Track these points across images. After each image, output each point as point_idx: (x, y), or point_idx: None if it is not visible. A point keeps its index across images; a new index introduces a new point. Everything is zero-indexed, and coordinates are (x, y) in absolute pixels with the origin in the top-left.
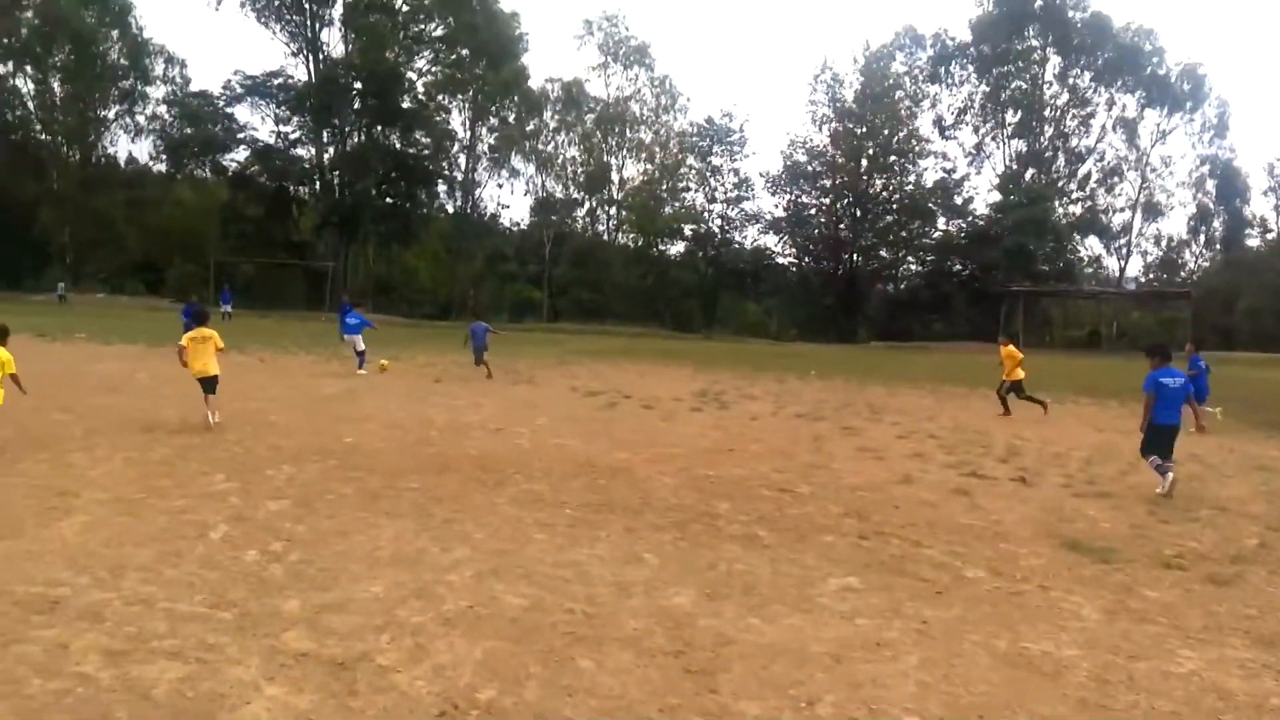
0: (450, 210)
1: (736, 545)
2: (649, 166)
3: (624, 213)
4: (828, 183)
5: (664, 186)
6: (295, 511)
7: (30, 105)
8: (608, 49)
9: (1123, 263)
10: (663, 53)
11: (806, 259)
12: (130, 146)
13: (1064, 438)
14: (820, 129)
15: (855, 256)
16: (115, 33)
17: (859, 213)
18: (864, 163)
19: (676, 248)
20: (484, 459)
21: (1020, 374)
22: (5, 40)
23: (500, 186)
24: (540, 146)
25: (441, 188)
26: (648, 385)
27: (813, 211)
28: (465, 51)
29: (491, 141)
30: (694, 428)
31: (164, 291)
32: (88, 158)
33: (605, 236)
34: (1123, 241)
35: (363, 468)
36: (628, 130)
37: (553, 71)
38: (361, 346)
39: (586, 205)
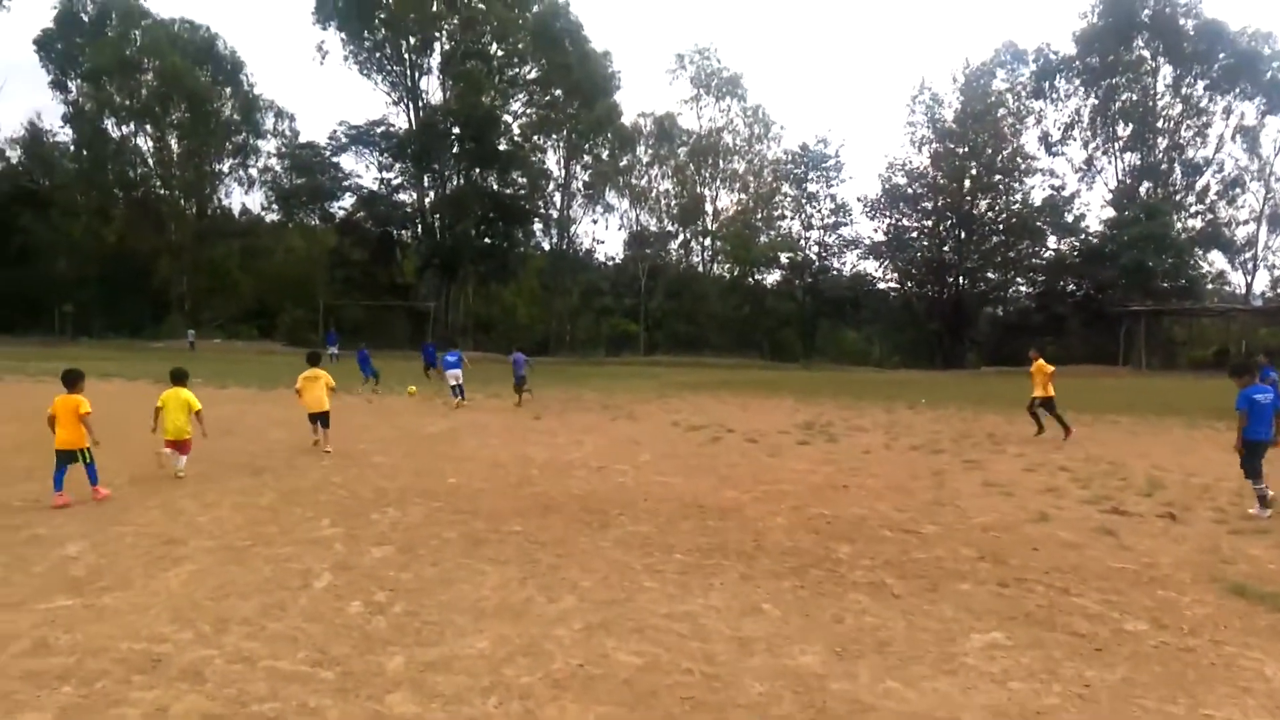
0: (546, 247)
1: (863, 594)
2: (743, 196)
3: (718, 243)
4: (929, 205)
5: (759, 215)
6: (399, 558)
7: (150, 162)
8: (700, 81)
9: (1249, 277)
10: (755, 82)
11: (909, 283)
12: (243, 198)
13: (1206, 467)
14: (920, 150)
15: (961, 279)
16: (228, 90)
17: (963, 234)
18: (967, 183)
19: (772, 277)
20: (587, 499)
21: (1051, 390)
22: (127, 102)
23: (595, 222)
24: (634, 181)
25: (537, 226)
26: (750, 418)
27: (914, 234)
28: (559, 92)
29: (586, 178)
30: (803, 463)
31: (276, 336)
32: (203, 210)
33: (700, 268)
34: (1248, 255)
35: (466, 510)
36: (721, 161)
37: (645, 106)
38: (461, 380)
39: (681, 237)
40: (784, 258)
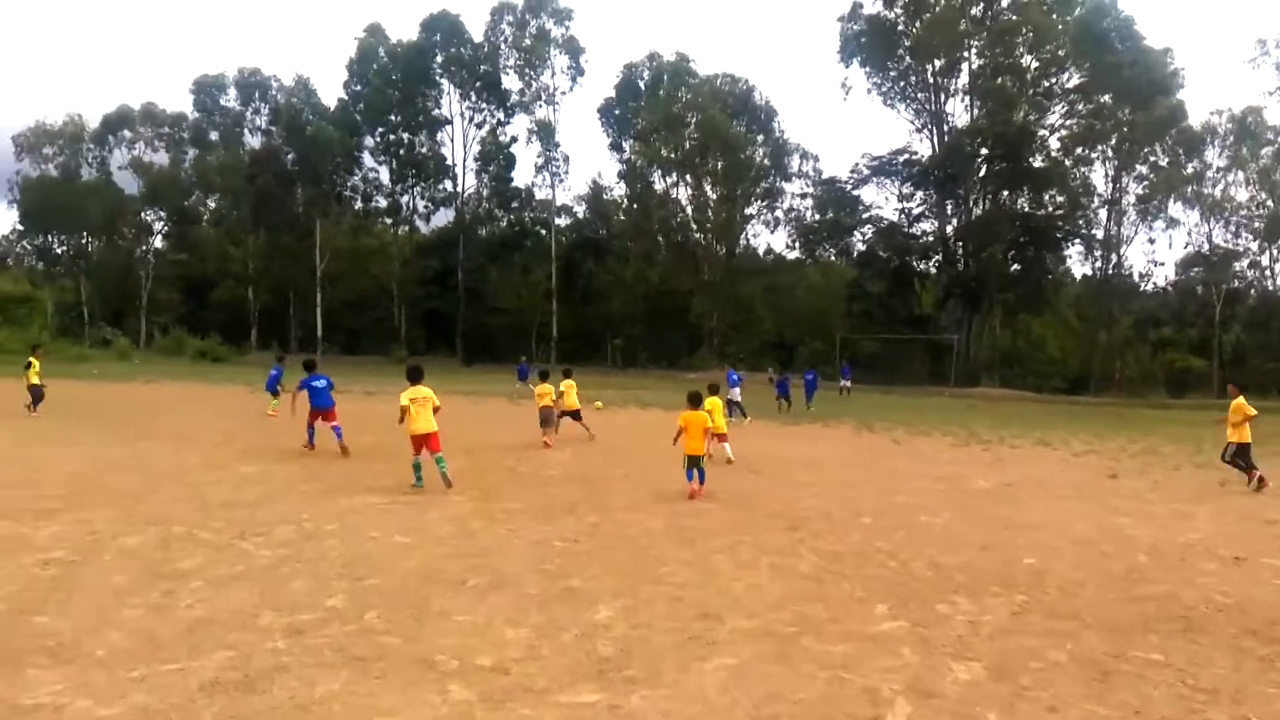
0: (1085, 272)
1: None
2: None
3: None
4: None
5: None
6: (996, 689)
7: (688, 209)
8: None
9: None
10: None
11: None
12: (769, 238)
13: None
14: None
15: None
16: (760, 138)
17: None
18: None
19: None
20: (1242, 610)
21: (1248, 435)
22: (672, 155)
23: (1152, 241)
24: (1204, 190)
25: (1075, 248)
26: None
27: None
28: (1105, 98)
29: (1140, 191)
30: None
31: (794, 367)
32: (732, 250)
33: None
34: None
35: (1065, 614)
36: None
37: (1217, 103)
38: (736, 398)
39: (1267, 255)
40: None
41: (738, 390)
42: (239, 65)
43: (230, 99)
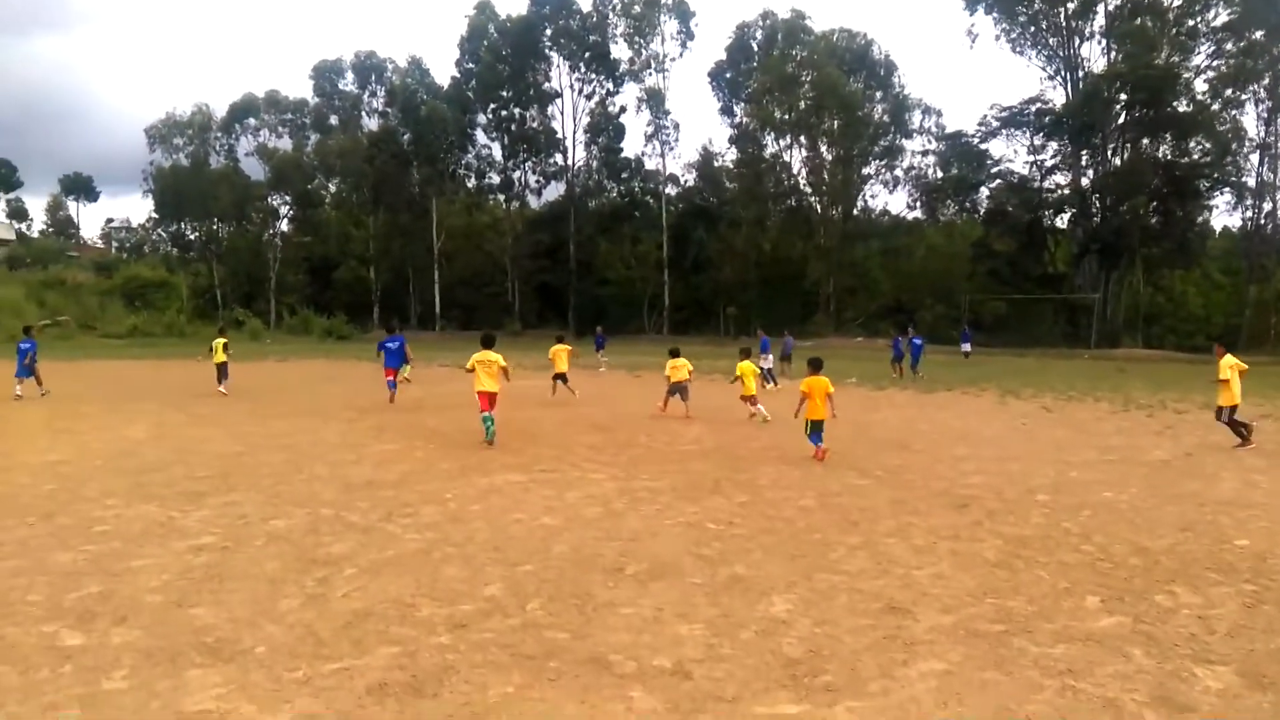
0: (1236, 223)
1: None
2: None
3: None
4: None
5: None
6: (1254, 697)
7: (802, 172)
8: None
9: None
10: None
11: None
12: (887, 198)
13: None
14: None
15: None
16: (878, 94)
17: None
18: None
19: None
20: None
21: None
22: (785, 117)
23: None
24: None
25: (1223, 198)
26: None
27: None
28: (1259, 34)
29: None
30: None
31: (914, 332)
32: (848, 213)
33: None
34: None
35: None
36: None
37: None
38: (768, 365)
39: None
40: None
41: (770, 357)
42: (355, 49)
43: (348, 83)
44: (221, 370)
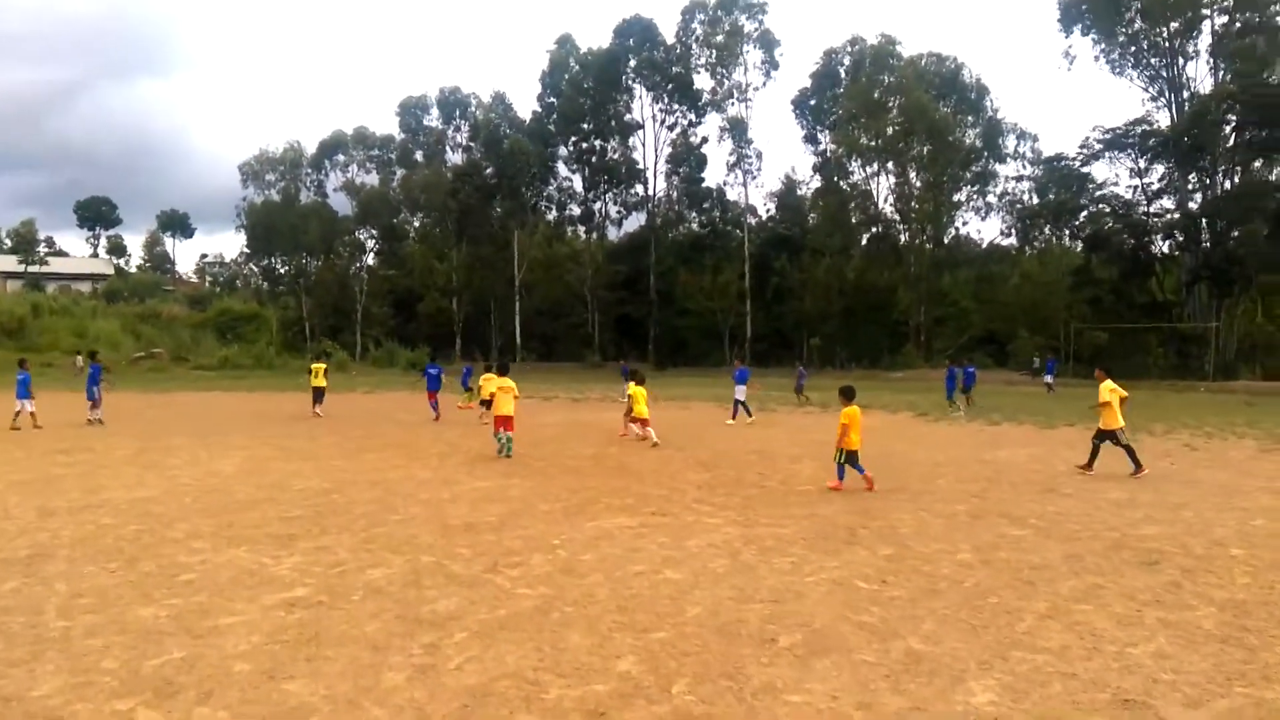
0: None
1: None
2: None
3: None
4: None
5: None
6: None
7: (889, 199)
8: None
9: None
10: None
11: None
12: (980, 225)
13: None
14: None
15: None
16: (970, 118)
17: None
18: None
19: None
20: None
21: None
22: (872, 144)
23: None
24: None
25: None
26: None
27: None
28: None
29: None
30: None
31: (1011, 365)
32: (939, 240)
33: None
34: None
35: None
36: None
37: None
38: (741, 397)
39: None
40: None
41: (743, 389)
42: (440, 85)
43: (433, 118)
44: (318, 394)
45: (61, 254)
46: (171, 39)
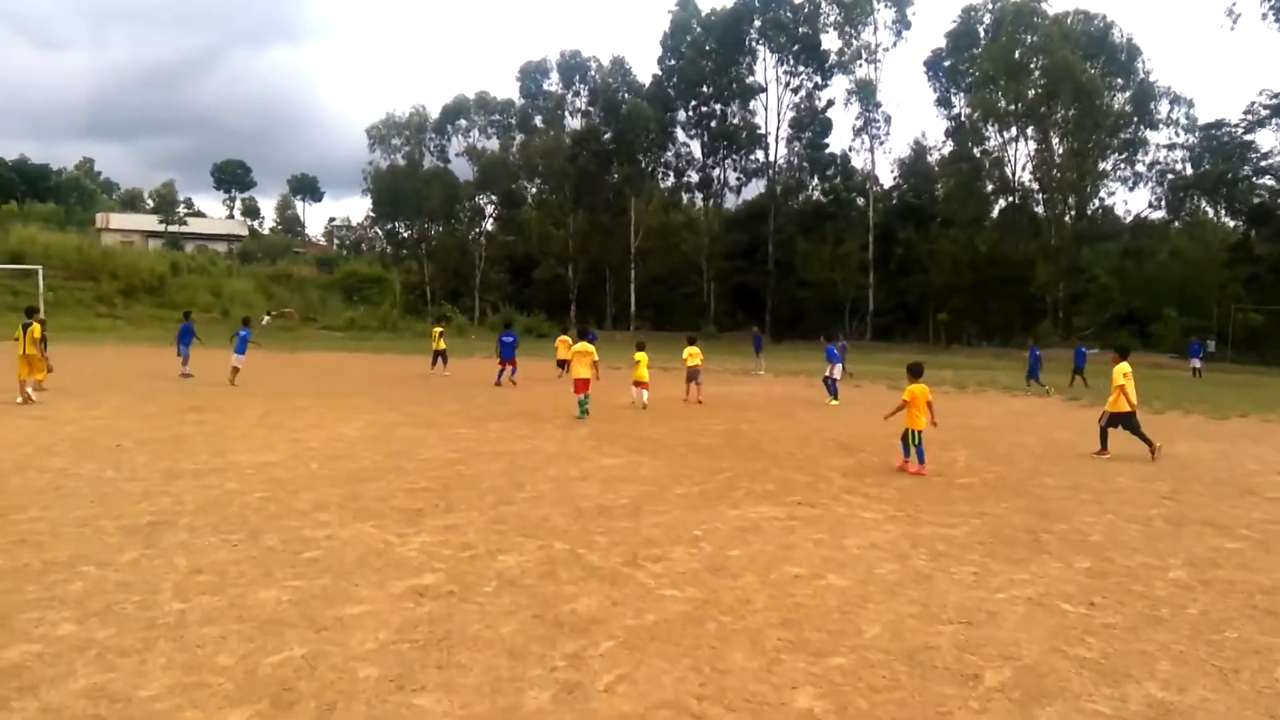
0: None
1: None
2: None
3: None
4: None
5: None
6: None
7: (1028, 166)
8: None
9: None
10: None
11: None
12: (1126, 196)
13: None
14: None
15: None
16: (1119, 81)
17: None
18: None
19: None
20: None
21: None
22: (1012, 107)
23: None
24: None
25: None
26: None
27: None
28: None
29: None
30: None
31: (1160, 347)
32: (1082, 212)
33: None
34: None
35: None
36: None
37: None
38: (835, 375)
39: None
40: None
41: (839, 368)
42: (560, 49)
43: (552, 83)
44: (440, 355)
45: (199, 215)
46: (303, 7)
